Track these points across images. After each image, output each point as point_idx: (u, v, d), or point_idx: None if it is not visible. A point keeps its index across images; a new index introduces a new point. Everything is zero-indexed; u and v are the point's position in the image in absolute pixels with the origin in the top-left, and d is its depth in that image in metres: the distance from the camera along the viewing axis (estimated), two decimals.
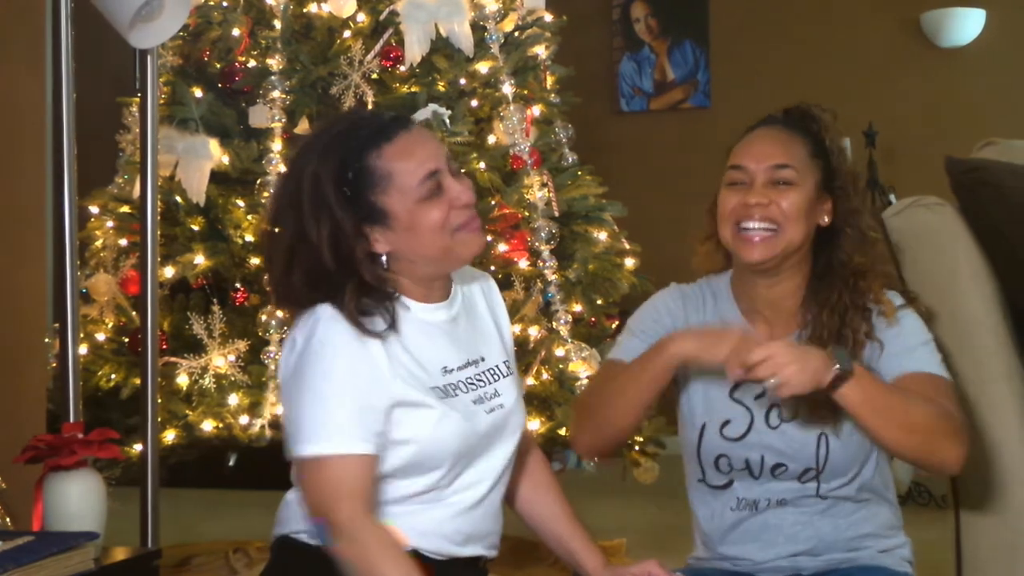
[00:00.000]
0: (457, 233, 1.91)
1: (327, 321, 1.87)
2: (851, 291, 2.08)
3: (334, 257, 1.87)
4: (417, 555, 1.92)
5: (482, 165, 4.85)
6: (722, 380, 2.07)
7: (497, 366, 2.03)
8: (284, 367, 1.92)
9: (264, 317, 4.51)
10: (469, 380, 1.97)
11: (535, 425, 4.54)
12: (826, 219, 2.11)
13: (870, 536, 2.12)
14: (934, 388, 2.04)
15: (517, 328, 4.68)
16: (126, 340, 4.82)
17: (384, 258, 1.90)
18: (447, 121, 4.82)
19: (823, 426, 2.05)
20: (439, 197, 1.90)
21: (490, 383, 2.00)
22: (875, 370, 2.05)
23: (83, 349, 4.66)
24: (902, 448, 2.00)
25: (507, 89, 5.00)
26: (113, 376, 4.74)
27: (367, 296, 1.89)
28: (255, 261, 4.72)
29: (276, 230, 1.93)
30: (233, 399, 4.57)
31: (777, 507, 2.10)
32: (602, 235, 5.18)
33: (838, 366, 1.92)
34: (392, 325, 1.89)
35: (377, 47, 4.91)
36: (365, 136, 1.89)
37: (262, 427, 4.48)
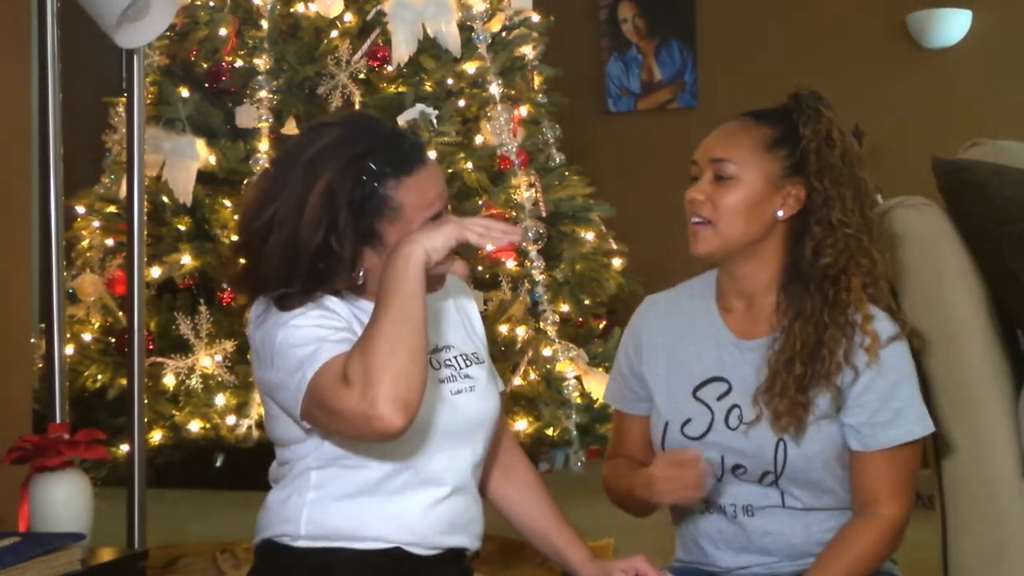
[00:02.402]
0: (429, 274, 1.90)
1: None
2: (830, 305, 2.03)
3: (314, 261, 1.87)
4: (401, 552, 1.93)
5: (469, 165, 4.85)
6: (686, 379, 2.12)
7: (466, 354, 2.05)
8: (252, 340, 1.93)
9: None
10: (438, 362, 1.99)
11: (522, 425, 4.54)
12: (781, 213, 2.05)
13: None
14: (893, 468, 2.06)
15: (504, 328, 4.68)
16: (112, 340, 4.82)
17: (362, 274, 1.91)
18: (434, 121, 4.83)
19: (783, 433, 2.05)
20: None
21: (460, 368, 2.02)
22: (846, 396, 2.04)
23: (69, 349, 4.66)
24: None
25: (494, 89, 5.01)
26: (99, 376, 4.74)
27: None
28: (242, 261, 4.72)
29: (265, 232, 1.91)
30: (220, 399, 4.57)
31: (745, 515, 2.11)
32: (589, 235, 5.19)
33: None
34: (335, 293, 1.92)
35: (364, 47, 4.91)
36: (390, 162, 1.88)
37: (249, 427, 4.49)
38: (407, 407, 1.75)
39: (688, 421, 2.10)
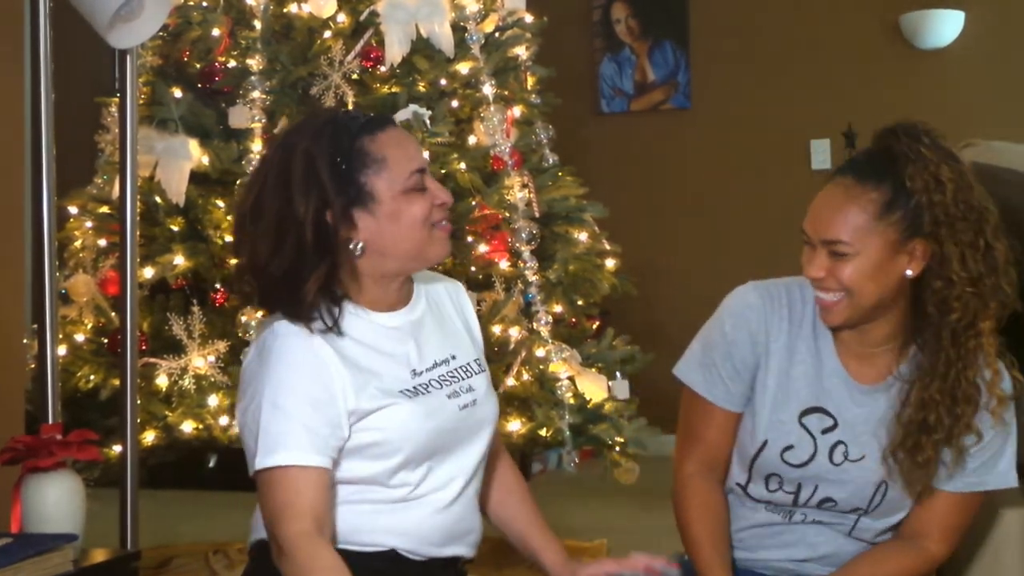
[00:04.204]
0: (435, 230, 1.95)
1: (283, 336, 1.88)
2: (963, 359, 1.94)
3: (316, 235, 1.87)
4: (395, 555, 1.93)
5: (462, 166, 4.84)
6: (794, 400, 2.04)
7: (469, 364, 2.05)
8: (241, 386, 1.93)
9: (244, 318, 4.50)
10: (442, 377, 1.99)
11: (515, 426, 4.54)
12: (910, 272, 1.94)
13: None
14: (955, 512, 2.06)
15: (498, 329, 4.68)
16: (105, 341, 4.81)
17: (361, 245, 1.91)
18: (427, 122, 4.82)
19: (914, 488, 2.03)
20: (422, 193, 1.94)
21: (463, 379, 2.02)
22: (967, 455, 2.01)
23: (62, 350, 4.65)
24: None
25: (487, 90, 5.00)
26: (92, 377, 4.73)
27: (328, 289, 1.90)
28: (235, 261, 4.71)
29: (256, 214, 1.92)
30: (213, 400, 4.56)
31: (810, 524, 2.10)
32: (582, 236, 5.19)
33: None
34: (335, 327, 1.89)
35: (357, 47, 4.90)
36: (358, 123, 1.93)
37: None
38: None
39: (790, 447, 2.04)
